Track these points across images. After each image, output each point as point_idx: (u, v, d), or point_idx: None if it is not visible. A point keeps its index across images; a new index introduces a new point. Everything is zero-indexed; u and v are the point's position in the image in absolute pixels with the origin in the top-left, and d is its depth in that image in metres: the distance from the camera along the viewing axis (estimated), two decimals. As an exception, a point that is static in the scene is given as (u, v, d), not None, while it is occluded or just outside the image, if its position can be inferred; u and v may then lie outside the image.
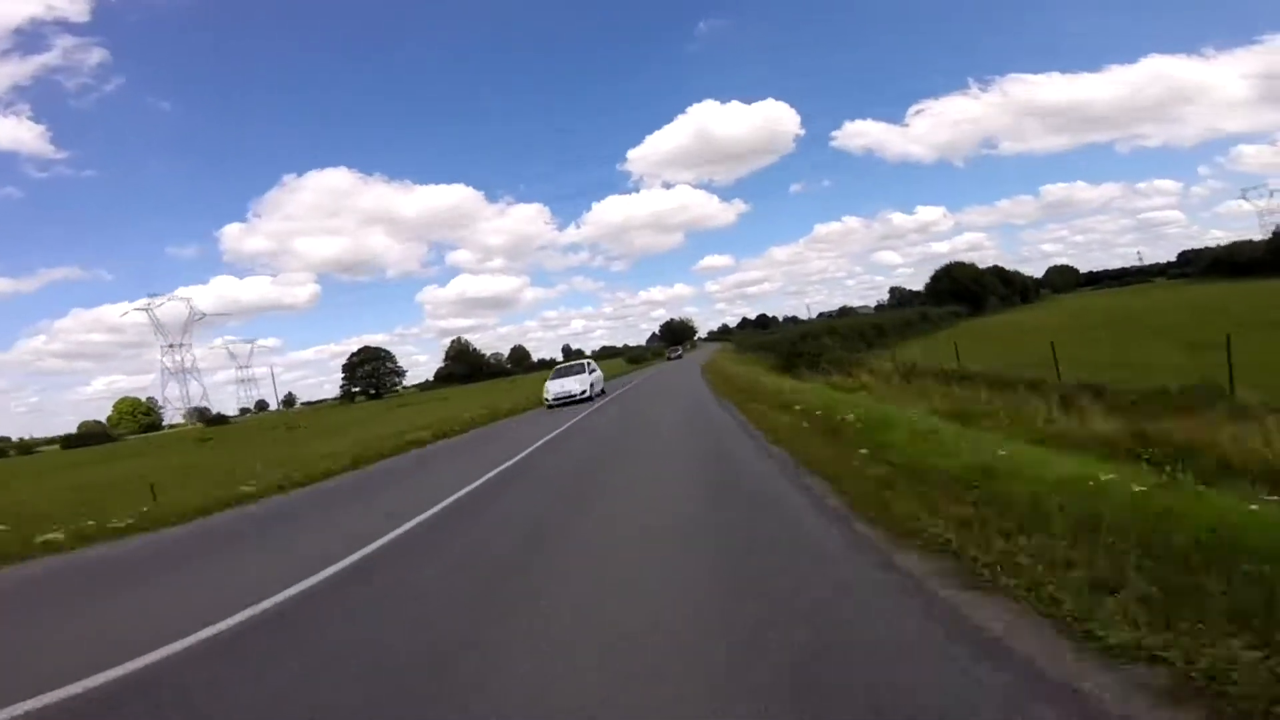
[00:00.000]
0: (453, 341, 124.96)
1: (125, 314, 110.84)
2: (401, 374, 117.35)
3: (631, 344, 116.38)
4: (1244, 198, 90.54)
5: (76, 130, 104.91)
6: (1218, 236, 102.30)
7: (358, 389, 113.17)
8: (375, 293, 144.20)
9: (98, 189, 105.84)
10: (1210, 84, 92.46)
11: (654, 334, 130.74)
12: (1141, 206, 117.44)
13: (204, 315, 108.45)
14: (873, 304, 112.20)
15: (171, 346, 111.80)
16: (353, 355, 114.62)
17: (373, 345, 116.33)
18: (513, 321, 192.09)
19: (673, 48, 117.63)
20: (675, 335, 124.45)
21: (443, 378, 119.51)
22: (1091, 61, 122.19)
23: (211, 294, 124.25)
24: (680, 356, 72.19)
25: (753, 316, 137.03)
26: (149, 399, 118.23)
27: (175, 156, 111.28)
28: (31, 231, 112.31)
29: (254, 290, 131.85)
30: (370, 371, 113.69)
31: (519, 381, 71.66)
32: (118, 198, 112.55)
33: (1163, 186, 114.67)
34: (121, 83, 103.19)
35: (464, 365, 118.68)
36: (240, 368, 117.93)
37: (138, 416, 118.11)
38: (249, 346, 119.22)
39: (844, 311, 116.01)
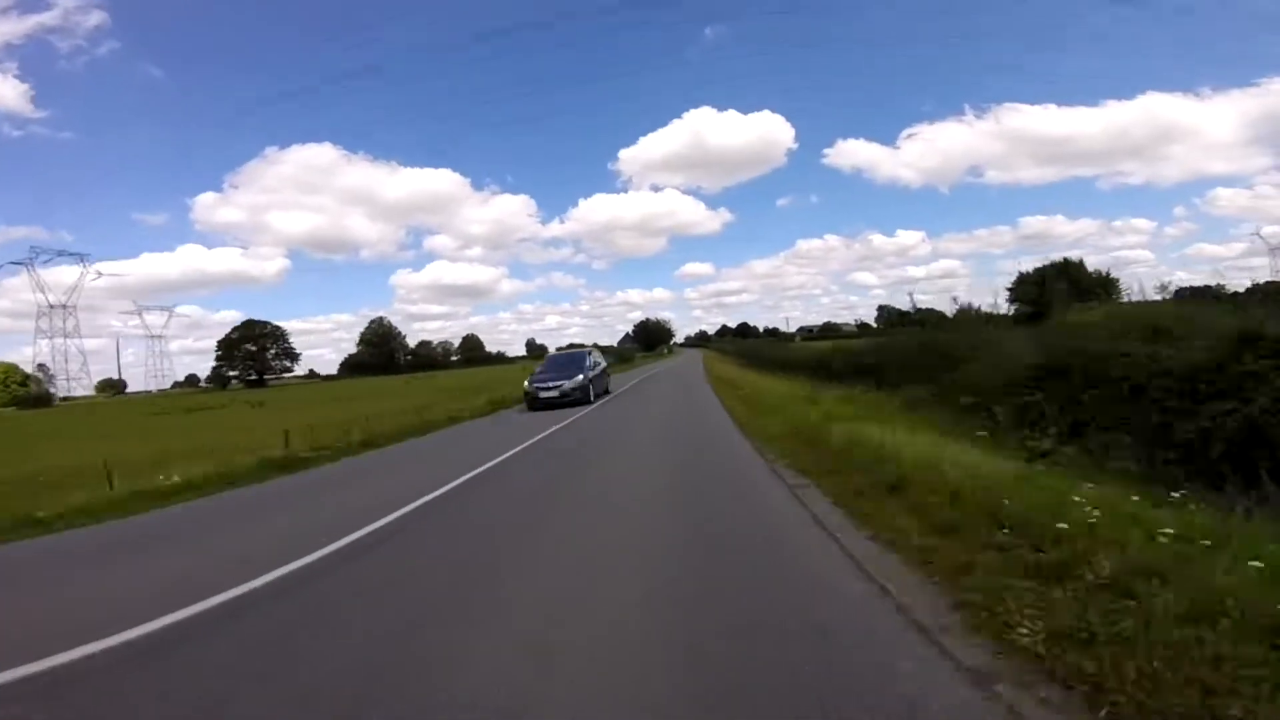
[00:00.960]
0: (371, 323, 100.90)
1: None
2: (295, 357, 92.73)
3: (604, 343, 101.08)
4: (1258, 235, 78.44)
5: (61, 91, 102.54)
6: (1183, 278, 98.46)
7: (235, 372, 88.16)
8: (346, 272, 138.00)
9: (72, 151, 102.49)
10: (1200, 125, 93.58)
11: (627, 334, 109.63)
12: (1114, 244, 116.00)
13: (100, 275, 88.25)
14: (851, 322, 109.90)
15: (53, 308, 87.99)
16: (233, 331, 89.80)
17: (259, 320, 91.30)
18: (486, 312, 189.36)
19: (677, 52, 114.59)
20: (650, 338, 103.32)
21: (352, 366, 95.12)
22: (1090, 96, 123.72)
23: (177, 263, 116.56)
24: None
25: (731, 325, 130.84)
26: (39, 366, 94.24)
27: (158, 124, 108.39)
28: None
29: (221, 261, 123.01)
30: (253, 353, 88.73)
31: (420, 382, 49.40)
32: (92, 161, 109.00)
33: (1137, 225, 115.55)
34: (116, 47, 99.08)
35: (380, 354, 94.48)
36: (153, 337, 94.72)
37: (10, 386, 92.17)
38: (165, 316, 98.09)
39: (828, 329, 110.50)
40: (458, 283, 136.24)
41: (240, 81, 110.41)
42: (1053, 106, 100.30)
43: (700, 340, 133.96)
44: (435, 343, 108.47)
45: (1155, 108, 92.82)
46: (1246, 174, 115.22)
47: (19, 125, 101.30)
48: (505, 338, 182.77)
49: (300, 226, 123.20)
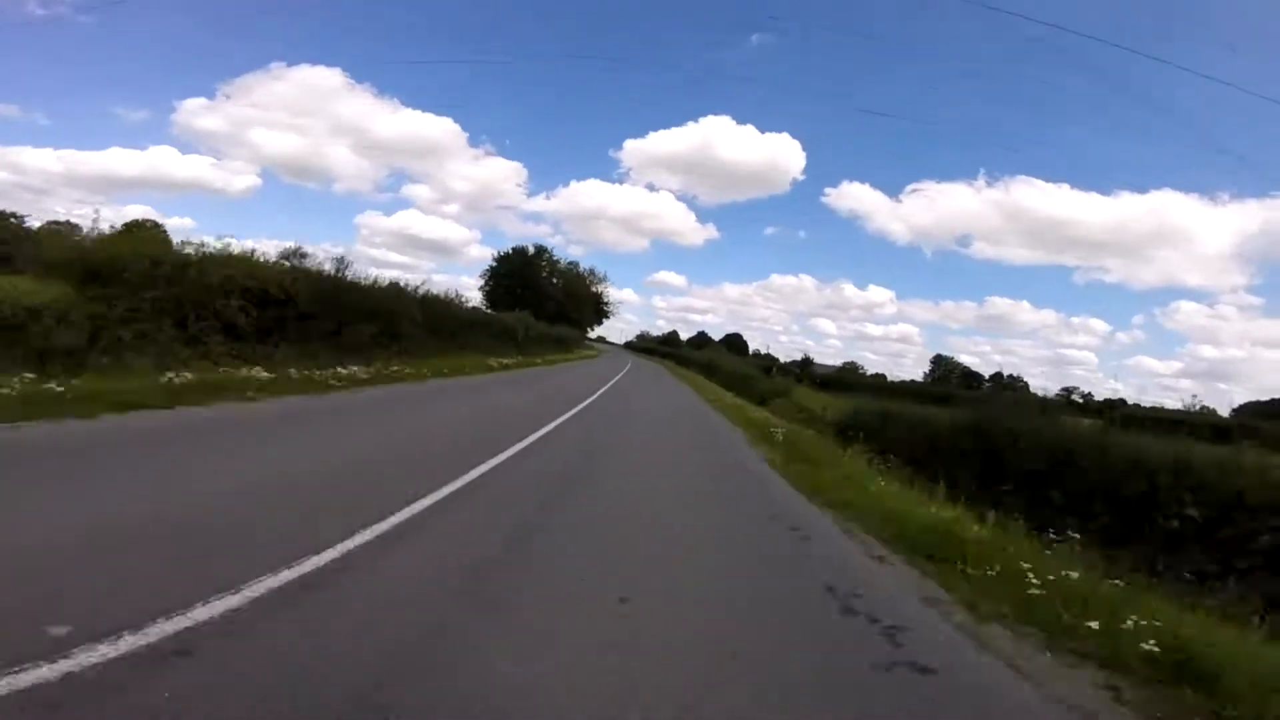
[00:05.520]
0: None
1: None
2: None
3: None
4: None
5: (95, -27, 71.13)
6: (1115, 388, 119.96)
7: None
8: (315, 202, 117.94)
9: (82, 35, 78.90)
10: (1200, 231, 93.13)
11: (490, 268, 49.69)
12: (1065, 341, 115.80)
13: None
14: (825, 362, 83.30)
15: None
16: None
17: None
18: (449, 272, 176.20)
19: (715, 52, 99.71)
20: (529, 297, 41.37)
21: None
22: (1107, 183, 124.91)
23: (143, 161, 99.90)
24: None
25: (712, 336, 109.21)
26: None
27: (174, 20, 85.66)
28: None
29: (190, 168, 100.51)
30: None
31: None
32: (97, 49, 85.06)
33: (1094, 325, 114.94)
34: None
35: None
36: None
37: None
38: None
39: (849, 368, 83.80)
40: (425, 236, 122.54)
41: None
42: (1066, 187, 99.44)
43: (665, 344, 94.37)
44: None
45: (1165, 206, 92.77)
46: (1215, 290, 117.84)
47: (45, 4, 78.77)
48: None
49: (281, 147, 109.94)
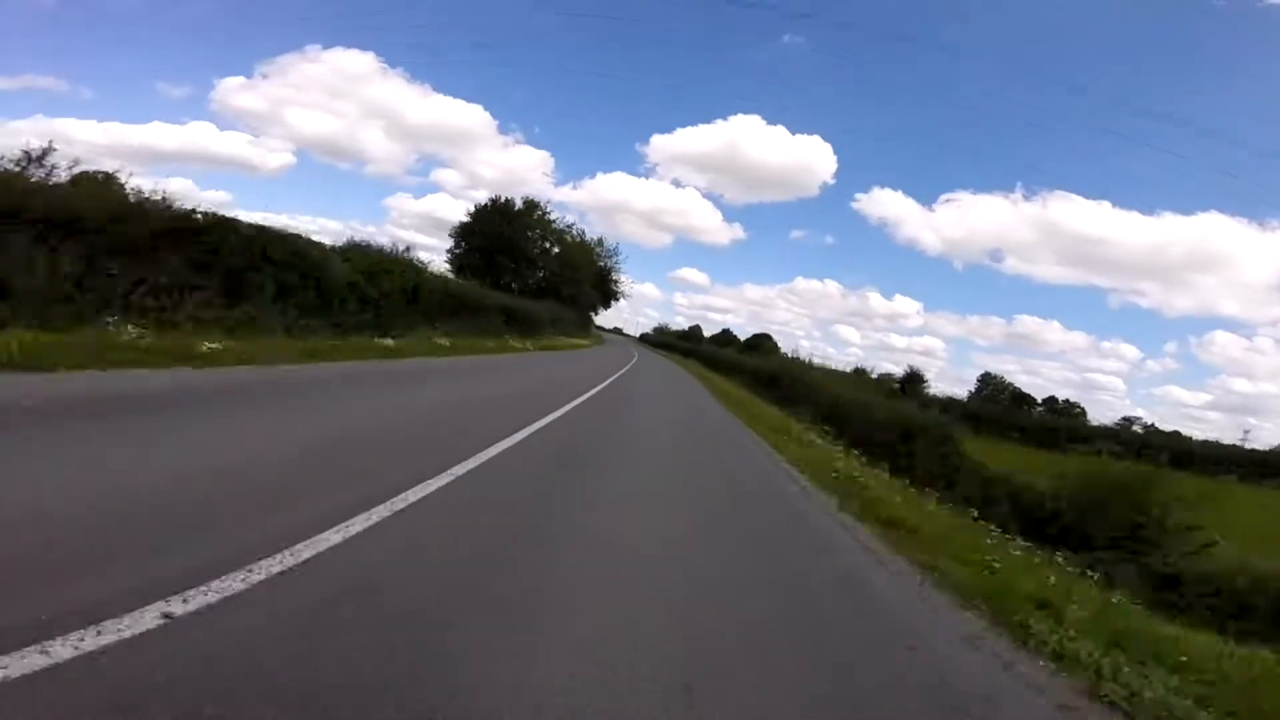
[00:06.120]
0: None
1: None
2: None
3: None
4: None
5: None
6: (1139, 416, 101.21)
7: None
8: (348, 182, 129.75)
9: (126, 11, 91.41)
10: (1244, 257, 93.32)
11: (460, 225, 37.53)
12: (1093, 365, 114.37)
13: None
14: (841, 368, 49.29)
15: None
16: None
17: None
18: None
19: (747, 50, 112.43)
20: (500, 254, 29.53)
21: None
22: (1150, 203, 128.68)
23: (181, 136, 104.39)
24: None
25: (737, 335, 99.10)
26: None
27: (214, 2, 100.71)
28: (43, 39, 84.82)
29: (227, 144, 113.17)
30: None
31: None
32: (140, 26, 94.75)
33: (1124, 351, 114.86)
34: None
35: None
36: None
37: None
38: None
39: (912, 378, 60.83)
40: (451, 219, 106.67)
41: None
42: (1107, 205, 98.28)
43: (686, 340, 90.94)
44: None
45: (1210, 229, 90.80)
46: (1254, 322, 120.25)
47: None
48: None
49: (316, 127, 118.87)
